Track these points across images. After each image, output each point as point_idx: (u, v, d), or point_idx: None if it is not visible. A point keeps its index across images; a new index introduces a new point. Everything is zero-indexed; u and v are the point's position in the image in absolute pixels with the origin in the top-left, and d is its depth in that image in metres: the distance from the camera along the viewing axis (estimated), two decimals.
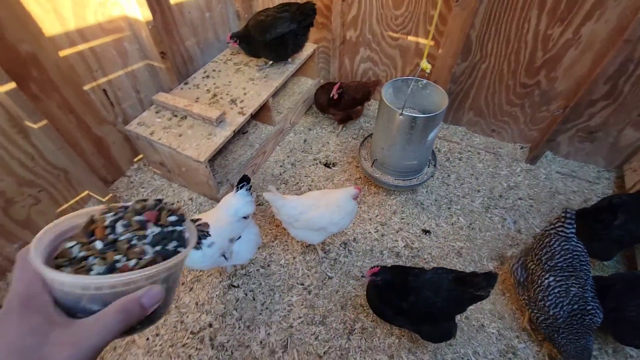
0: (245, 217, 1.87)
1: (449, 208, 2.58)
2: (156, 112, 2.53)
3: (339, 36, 2.95)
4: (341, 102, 2.85)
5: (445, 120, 3.17)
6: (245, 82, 2.78)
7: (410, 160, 2.31)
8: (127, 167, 2.78)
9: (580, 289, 1.68)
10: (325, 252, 2.32)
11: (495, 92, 2.76)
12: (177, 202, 2.61)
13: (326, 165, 2.89)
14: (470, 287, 1.57)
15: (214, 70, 2.91)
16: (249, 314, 2.03)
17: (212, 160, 2.51)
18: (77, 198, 2.48)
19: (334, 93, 2.75)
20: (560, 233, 1.79)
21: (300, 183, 2.75)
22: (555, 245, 1.77)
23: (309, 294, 2.12)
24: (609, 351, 1.92)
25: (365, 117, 3.26)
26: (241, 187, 1.81)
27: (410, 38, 2.77)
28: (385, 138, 2.27)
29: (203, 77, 2.84)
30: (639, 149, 2.55)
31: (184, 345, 1.91)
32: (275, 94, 2.97)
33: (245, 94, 2.67)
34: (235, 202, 1.81)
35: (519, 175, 2.79)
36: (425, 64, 1.97)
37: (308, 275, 2.21)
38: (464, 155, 2.96)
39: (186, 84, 2.77)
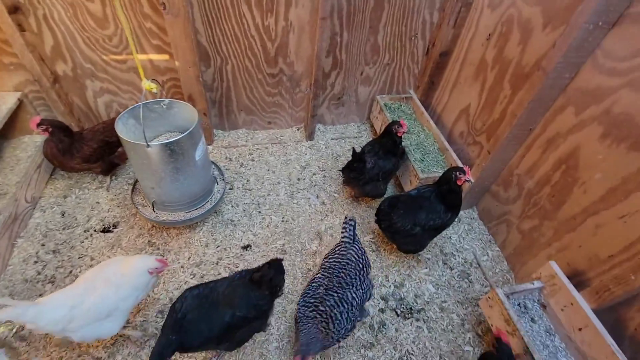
0: None
1: (260, 212, 2.51)
2: None
3: (45, 74, 2.29)
4: (82, 150, 2.27)
5: (224, 127, 3.05)
6: None
7: (190, 187, 2.05)
8: None
9: (324, 290, 1.63)
10: (142, 331, 1.84)
11: (253, 88, 2.81)
12: None
13: (105, 230, 2.29)
14: (261, 284, 1.56)
15: None
16: None
17: None
18: None
19: (38, 131, 2.11)
20: (344, 239, 1.84)
21: (75, 270, 2.08)
22: (336, 249, 1.82)
23: None
24: (414, 264, 2.33)
25: None
26: None
27: (140, 57, 2.43)
28: (149, 176, 1.92)
29: None
30: (373, 100, 3.15)
31: None
32: None
33: None
34: None
35: (305, 154, 3.00)
36: (148, 84, 1.70)
37: None
38: (255, 154, 2.95)
39: None
